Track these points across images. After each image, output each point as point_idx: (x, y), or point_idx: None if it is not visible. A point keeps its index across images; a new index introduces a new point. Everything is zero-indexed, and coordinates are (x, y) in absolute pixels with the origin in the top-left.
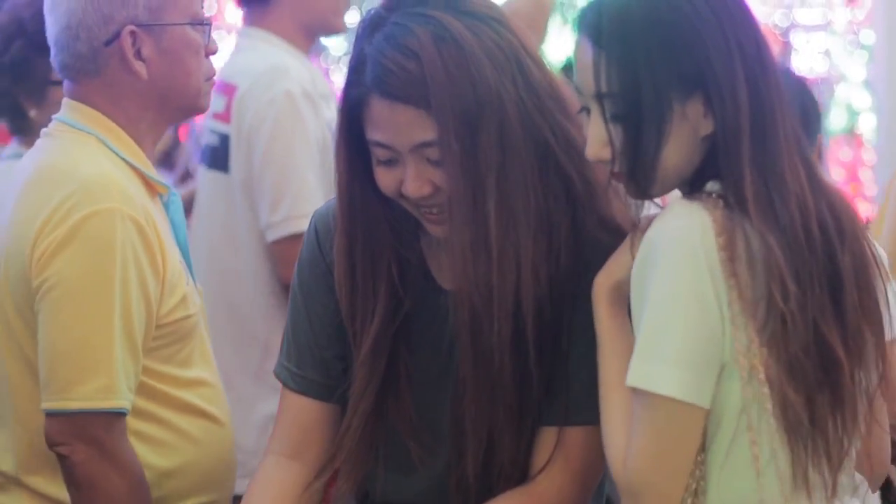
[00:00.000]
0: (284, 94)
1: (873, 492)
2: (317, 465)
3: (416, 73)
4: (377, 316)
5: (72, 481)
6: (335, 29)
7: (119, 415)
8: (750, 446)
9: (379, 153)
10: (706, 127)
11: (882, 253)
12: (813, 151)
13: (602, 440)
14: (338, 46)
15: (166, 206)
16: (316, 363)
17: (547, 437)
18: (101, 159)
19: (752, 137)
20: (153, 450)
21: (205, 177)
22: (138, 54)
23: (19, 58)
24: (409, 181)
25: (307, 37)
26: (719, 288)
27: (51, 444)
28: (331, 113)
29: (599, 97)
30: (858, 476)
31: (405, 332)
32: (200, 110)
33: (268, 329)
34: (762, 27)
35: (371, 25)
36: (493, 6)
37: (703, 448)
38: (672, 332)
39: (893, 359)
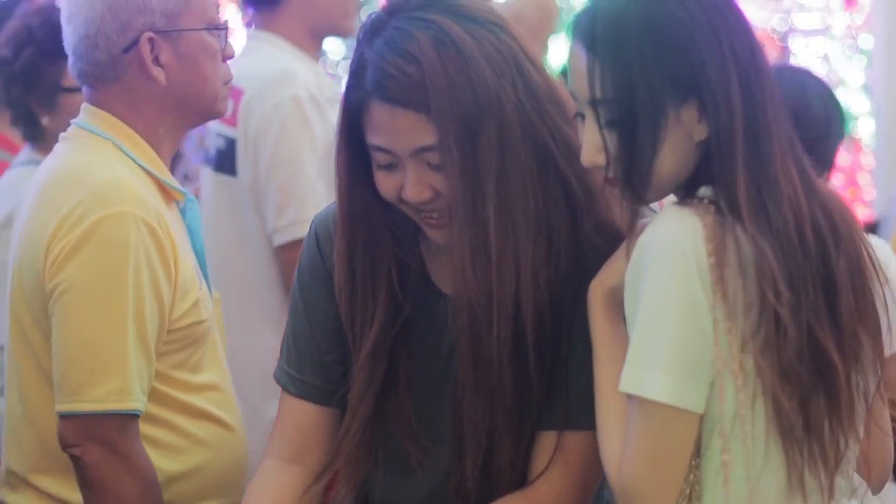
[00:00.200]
0: (291, 98)
1: (874, 493)
2: (316, 469)
3: (416, 78)
4: (377, 320)
5: (85, 482)
6: (345, 31)
7: (132, 416)
8: (744, 451)
9: (379, 158)
10: (700, 132)
11: (883, 254)
12: (832, 158)
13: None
14: (336, 50)
15: (183, 212)
16: (316, 367)
17: (546, 442)
18: (116, 164)
19: (746, 142)
20: (162, 453)
21: (211, 180)
22: (156, 60)
23: (29, 65)
24: (409, 186)
25: (315, 40)
26: (709, 293)
27: (64, 446)
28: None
29: (594, 103)
30: (857, 478)
31: (405, 336)
32: (218, 114)
33: (276, 332)
34: (759, 32)
35: (372, 30)
36: (494, 11)
37: (697, 453)
38: (663, 337)
39: (893, 374)
